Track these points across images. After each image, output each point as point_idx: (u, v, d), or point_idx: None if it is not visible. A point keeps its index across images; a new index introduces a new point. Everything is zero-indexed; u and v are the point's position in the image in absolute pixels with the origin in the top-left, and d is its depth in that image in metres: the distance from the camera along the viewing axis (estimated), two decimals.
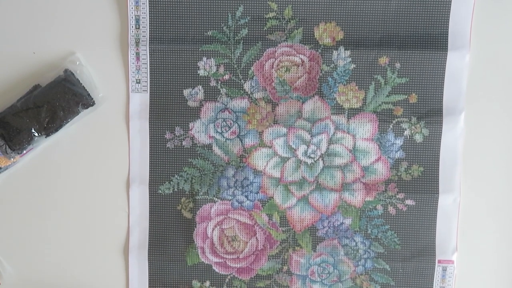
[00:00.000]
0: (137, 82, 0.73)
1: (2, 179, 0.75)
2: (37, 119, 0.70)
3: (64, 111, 0.71)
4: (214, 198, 0.75)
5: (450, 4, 0.70)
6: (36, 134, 0.71)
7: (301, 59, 0.72)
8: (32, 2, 0.73)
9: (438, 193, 0.73)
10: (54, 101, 0.71)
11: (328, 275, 0.75)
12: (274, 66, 0.73)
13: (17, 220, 0.76)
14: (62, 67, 0.72)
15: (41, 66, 0.73)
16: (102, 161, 0.75)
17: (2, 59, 0.73)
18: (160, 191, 0.75)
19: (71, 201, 0.75)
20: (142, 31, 0.72)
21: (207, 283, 0.76)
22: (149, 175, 0.74)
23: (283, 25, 0.72)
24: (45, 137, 0.72)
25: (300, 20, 0.72)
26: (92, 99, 0.72)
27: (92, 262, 0.76)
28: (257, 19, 0.72)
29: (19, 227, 0.76)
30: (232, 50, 0.73)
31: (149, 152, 0.74)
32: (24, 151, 0.73)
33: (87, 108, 0.72)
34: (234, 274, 0.76)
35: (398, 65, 0.72)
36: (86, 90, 0.72)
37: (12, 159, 0.72)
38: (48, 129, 0.71)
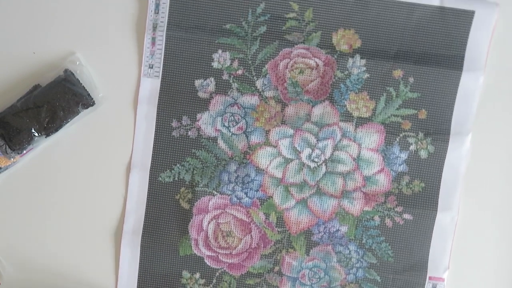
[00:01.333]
0: (149, 67, 0.73)
1: (2, 179, 0.74)
2: (37, 119, 0.70)
3: (64, 111, 0.71)
4: (214, 191, 0.74)
5: (470, 27, 0.71)
6: (36, 134, 0.71)
7: (316, 62, 0.72)
8: (32, 2, 0.72)
9: (437, 211, 0.73)
10: (54, 101, 0.70)
11: (318, 280, 0.75)
12: (288, 66, 0.72)
13: (17, 220, 0.75)
14: (62, 67, 0.72)
15: (41, 66, 0.73)
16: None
17: (2, 59, 0.73)
18: (160, 179, 0.74)
19: (71, 201, 0.75)
20: (161, 16, 0.72)
21: (197, 275, 0.76)
22: (151, 161, 0.74)
23: (302, 26, 0.72)
24: (45, 137, 0.72)
25: (320, 24, 0.72)
26: (92, 99, 0.72)
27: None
28: (276, 18, 0.72)
29: (19, 227, 0.75)
30: (249, 46, 0.72)
31: (154, 138, 0.74)
32: (24, 151, 0.72)
33: (87, 108, 0.72)
34: (225, 269, 0.76)
35: (411, 79, 0.72)
36: (86, 90, 0.72)
37: (12, 159, 0.72)
38: (48, 129, 0.71)
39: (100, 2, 0.73)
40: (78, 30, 0.73)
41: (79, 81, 0.71)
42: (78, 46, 0.73)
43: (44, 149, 0.74)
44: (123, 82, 0.74)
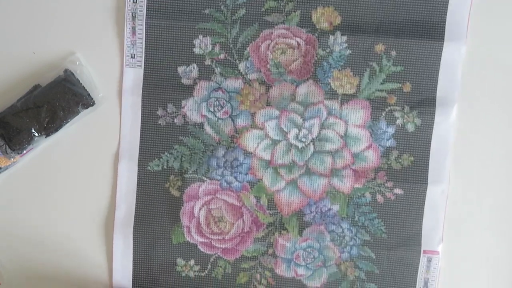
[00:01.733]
0: (131, 57, 0.73)
1: (2, 179, 0.74)
2: (37, 119, 0.70)
3: (64, 111, 0.71)
4: (203, 177, 0.74)
5: None
6: (36, 134, 0.71)
7: (297, 42, 0.72)
8: (32, 2, 0.73)
9: (427, 184, 0.73)
10: (54, 101, 0.70)
11: (313, 259, 0.75)
12: (270, 47, 0.72)
13: (17, 220, 0.75)
14: (62, 67, 0.72)
15: (41, 66, 0.73)
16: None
17: (2, 59, 0.73)
18: (149, 168, 0.74)
19: (71, 201, 0.75)
20: (140, 5, 0.72)
21: (192, 262, 0.76)
22: (139, 151, 0.74)
23: (281, 7, 0.72)
24: (45, 137, 0.72)
25: (299, 3, 0.71)
26: (92, 99, 0.72)
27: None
28: (255, 0, 0.71)
29: (19, 227, 0.75)
30: (229, 30, 0.72)
31: (140, 128, 0.74)
32: (24, 151, 0.72)
33: (87, 108, 0.72)
34: (219, 254, 0.75)
35: (394, 53, 0.72)
36: (86, 90, 0.72)
37: (12, 159, 0.72)
38: (48, 129, 0.71)
39: (101, 1, 0.73)
40: (78, 30, 0.73)
41: (79, 81, 0.72)
42: (78, 46, 0.73)
43: (44, 149, 0.74)
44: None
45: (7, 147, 0.70)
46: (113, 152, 0.75)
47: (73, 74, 0.72)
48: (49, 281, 0.76)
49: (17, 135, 0.70)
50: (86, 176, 0.75)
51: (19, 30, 0.73)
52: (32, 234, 0.76)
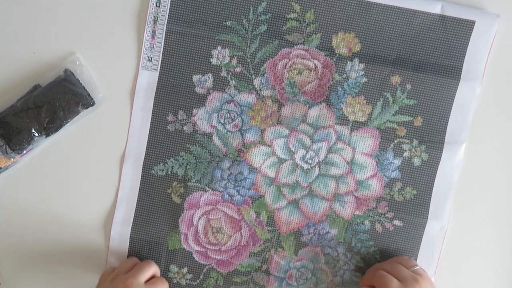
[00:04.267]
0: (148, 60, 0.73)
1: (2, 179, 0.74)
2: (37, 119, 0.70)
3: (64, 111, 0.71)
4: (206, 187, 0.74)
5: (470, 37, 0.71)
6: (36, 134, 0.71)
7: (315, 64, 0.72)
8: (32, 2, 0.72)
9: (427, 219, 0.74)
10: (54, 101, 0.70)
11: (305, 281, 0.75)
12: (287, 66, 0.72)
13: (17, 220, 0.75)
14: (62, 67, 0.72)
15: (41, 66, 0.73)
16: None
17: (2, 59, 0.73)
18: (153, 172, 0.75)
19: (71, 201, 0.75)
20: (162, 10, 0.72)
21: (185, 270, 0.76)
22: (145, 154, 0.74)
23: (303, 27, 0.72)
24: (45, 137, 0.72)
25: (320, 26, 0.72)
26: (92, 99, 0.72)
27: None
28: (277, 18, 0.72)
29: (19, 227, 0.75)
30: (248, 44, 0.72)
31: (149, 131, 0.74)
32: (24, 151, 0.72)
33: (87, 108, 0.72)
34: (213, 265, 0.76)
35: (409, 86, 0.72)
36: (86, 90, 0.72)
37: (12, 159, 0.72)
38: (48, 129, 0.71)
39: (101, 1, 0.72)
40: (78, 30, 0.73)
41: (79, 81, 0.72)
42: (78, 46, 0.73)
43: (44, 149, 0.74)
44: (122, 77, 0.73)
45: (7, 147, 0.70)
46: (115, 153, 0.74)
47: (73, 74, 0.72)
48: (49, 281, 0.76)
49: (17, 135, 0.70)
50: (86, 176, 0.75)
51: (19, 30, 0.73)
52: (32, 234, 0.76)
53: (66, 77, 0.71)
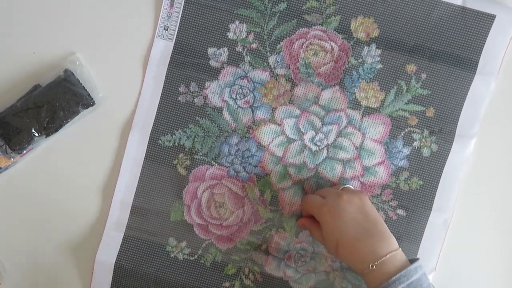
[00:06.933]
0: (165, 29, 0.73)
1: (2, 179, 0.74)
2: (37, 119, 0.70)
3: (64, 111, 0.70)
4: (212, 161, 0.74)
5: (489, 31, 0.70)
6: (36, 134, 0.70)
7: (332, 46, 0.72)
8: (32, 2, 0.72)
9: (431, 210, 0.73)
10: (54, 101, 0.70)
11: (304, 263, 0.75)
12: (303, 46, 0.72)
13: (17, 220, 0.75)
14: (62, 67, 0.72)
15: (41, 66, 0.72)
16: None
17: (2, 59, 0.72)
18: (160, 142, 0.74)
19: (71, 201, 0.75)
20: None
21: (184, 244, 0.75)
22: (153, 123, 0.74)
23: (323, 8, 0.72)
24: (45, 137, 0.71)
25: (340, 8, 0.71)
26: (92, 99, 0.72)
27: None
28: None
29: (19, 227, 0.75)
30: (266, 21, 0.72)
31: (159, 100, 0.73)
32: (24, 151, 0.72)
33: (87, 108, 0.72)
34: (212, 240, 0.75)
35: (424, 76, 0.72)
36: (86, 90, 0.72)
37: (12, 159, 0.71)
38: (48, 129, 0.71)
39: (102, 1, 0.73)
40: (78, 30, 0.73)
41: (79, 81, 0.71)
42: (78, 46, 0.73)
43: (44, 149, 0.73)
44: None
45: (7, 147, 0.70)
46: (115, 152, 0.74)
47: (73, 74, 0.71)
48: (49, 281, 0.76)
49: (17, 135, 0.70)
50: (86, 176, 0.74)
51: (19, 30, 0.72)
52: (32, 234, 0.75)
53: (66, 77, 0.71)
